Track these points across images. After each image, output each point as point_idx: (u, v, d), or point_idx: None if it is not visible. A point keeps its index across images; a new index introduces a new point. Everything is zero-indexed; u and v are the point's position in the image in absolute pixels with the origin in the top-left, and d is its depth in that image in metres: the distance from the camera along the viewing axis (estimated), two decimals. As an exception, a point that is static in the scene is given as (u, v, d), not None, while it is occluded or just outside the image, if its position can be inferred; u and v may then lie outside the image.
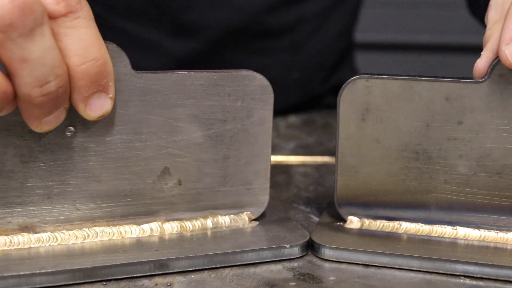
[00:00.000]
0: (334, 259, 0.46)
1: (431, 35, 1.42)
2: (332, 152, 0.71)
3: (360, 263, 0.46)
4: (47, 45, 0.40)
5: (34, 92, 0.40)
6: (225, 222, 0.49)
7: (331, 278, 0.44)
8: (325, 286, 0.43)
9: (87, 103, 0.43)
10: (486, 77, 0.46)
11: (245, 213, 0.50)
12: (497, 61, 0.46)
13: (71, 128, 0.45)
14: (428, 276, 0.44)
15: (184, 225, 0.48)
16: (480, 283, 0.43)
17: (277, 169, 0.66)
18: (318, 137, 0.79)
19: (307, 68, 0.89)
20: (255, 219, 0.50)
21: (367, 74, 0.47)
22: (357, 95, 0.47)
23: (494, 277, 0.44)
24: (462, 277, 0.44)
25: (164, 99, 0.46)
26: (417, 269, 0.45)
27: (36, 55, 0.39)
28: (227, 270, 0.44)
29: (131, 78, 0.45)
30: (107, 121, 0.45)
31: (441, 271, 0.44)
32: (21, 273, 0.41)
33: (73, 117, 0.44)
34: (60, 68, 0.41)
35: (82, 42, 0.41)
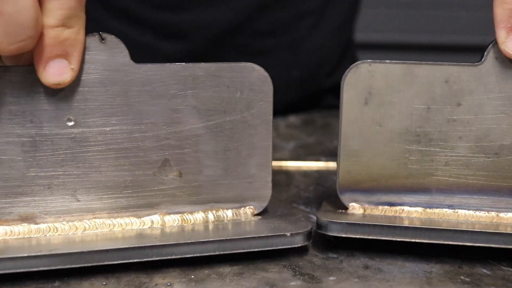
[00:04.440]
0: (343, 235, 0.46)
1: (431, 35, 1.42)
2: (332, 153, 0.71)
3: (368, 237, 0.45)
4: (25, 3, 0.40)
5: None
6: (227, 216, 0.49)
7: (331, 278, 0.43)
8: (325, 286, 0.42)
9: (47, 64, 0.43)
10: (482, 60, 0.47)
11: (247, 207, 0.49)
12: (491, 45, 0.47)
13: (72, 118, 0.45)
14: (428, 276, 0.44)
15: (185, 218, 0.48)
16: (480, 282, 0.43)
17: (277, 169, 0.66)
18: (318, 137, 0.79)
19: (306, 66, 0.89)
20: (258, 214, 0.50)
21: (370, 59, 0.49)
22: (360, 79, 0.48)
23: (502, 246, 0.44)
24: (461, 277, 0.44)
25: (164, 89, 0.46)
26: (426, 241, 0.45)
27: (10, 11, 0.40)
28: (227, 270, 0.44)
29: (130, 68, 0.46)
30: (107, 111, 0.45)
31: (449, 242, 0.45)
32: (18, 255, 0.40)
33: (74, 107, 0.45)
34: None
35: (64, 9, 0.42)
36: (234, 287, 0.42)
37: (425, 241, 0.45)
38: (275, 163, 0.66)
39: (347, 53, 0.95)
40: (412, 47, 1.45)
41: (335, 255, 0.47)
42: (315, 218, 0.53)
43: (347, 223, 0.46)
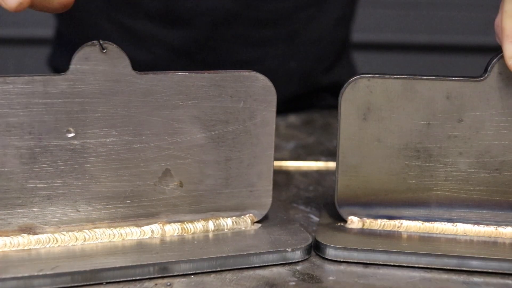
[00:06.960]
0: (341, 260, 0.46)
1: (431, 35, 1.42)
2: (331, 153, 0.71)
3: (366, 262, 0.45)
4: None
5: None
6: (227, 225, 0.49)
7: (331, 278, 0.43)
8: (325, 286, 0.42)
9: None
10: (485, 75, 0.46)
11: (247, 215, 0.49)
12: (496, 59, 0.46)
13: (71, 129, 0.45)
14: (427, 276, 0.44)
15: (185, 227, 0.48)
16: (478, 281, 0.43)
17: (277, 169, 0.66)
18: (318, 137, 0.79)
19: (304, 57, 0.89)
20: (258, 222, 0.50)
21: (369, 73, 0.47)
22: (359, 94, 0.47)
23: (497, 271, 0.44)
24: (461, 277, 0.44)
25: (165, 100, 0.46)
26: (425, 265, 0.45)
27: None
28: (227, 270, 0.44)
29: (131, 79, 0.45)
30: (107, 122, 0.45)
31: (446, 267, 0.45)
32: (20, 275, 0.40)
33: (73, 119, 0.44)
34: None
35: None
36: (234, 287, 0.42)
37: (428, 266, 0.45)
38: (275, 163, 0.66)
39: (345, 51, 0.95)
40: (410, 47, 1.44)
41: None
42: (315, 218, 0.53)
43: (345, 248, 0.46)
